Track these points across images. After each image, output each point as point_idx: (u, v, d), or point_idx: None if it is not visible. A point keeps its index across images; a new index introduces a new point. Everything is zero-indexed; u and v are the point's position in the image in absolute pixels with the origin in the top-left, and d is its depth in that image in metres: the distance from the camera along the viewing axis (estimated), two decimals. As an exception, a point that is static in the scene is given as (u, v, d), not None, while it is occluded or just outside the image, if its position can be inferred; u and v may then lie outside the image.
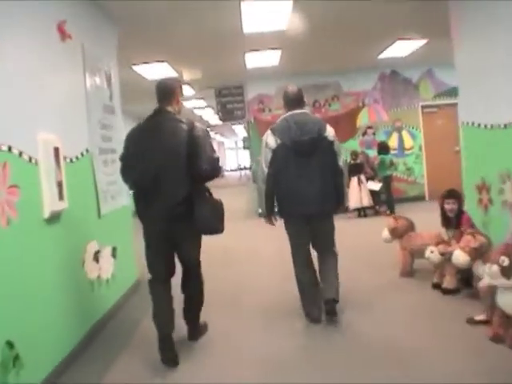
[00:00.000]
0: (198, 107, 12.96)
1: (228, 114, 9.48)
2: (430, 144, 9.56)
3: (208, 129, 3.13)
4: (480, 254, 3.21)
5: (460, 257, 3.26)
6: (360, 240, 6.18)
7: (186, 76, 7.34)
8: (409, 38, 7.12)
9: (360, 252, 5.49)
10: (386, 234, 4.45)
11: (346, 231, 6.17)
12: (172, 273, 3.07)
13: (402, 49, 7.74)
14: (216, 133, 26.73)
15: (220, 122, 19.09)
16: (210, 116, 15.66)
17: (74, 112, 3.63)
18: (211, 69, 7.79)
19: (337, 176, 3.34)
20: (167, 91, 3.02)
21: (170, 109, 2.98)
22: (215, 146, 3.27)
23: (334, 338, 3.22)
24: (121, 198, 4.55)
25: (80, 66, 3.81)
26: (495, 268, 2.73)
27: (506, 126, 3.74)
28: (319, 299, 3.42)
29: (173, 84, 3.13)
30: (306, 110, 3.55)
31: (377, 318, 3.47)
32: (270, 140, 3.30)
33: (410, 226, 4.42)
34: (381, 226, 4.65)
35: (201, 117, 15.56)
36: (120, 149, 3.17)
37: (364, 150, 8.99)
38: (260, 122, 9.17)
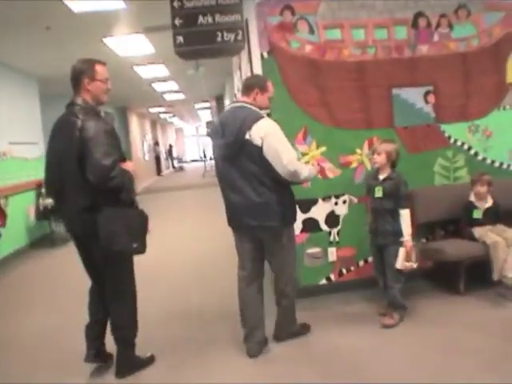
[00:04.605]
0: (138, 62, 7.28)
1: (200, 40, 3.55)
2: None
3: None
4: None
5: None
6: None
7: None
8: None
9: None
10: None
11: None
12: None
13: None
14: (173, 115, 20.92)
15: (180, 97, 12.32)
16: (166, 84, 9.96)
17: None
18: None
19: (277, 187, 2.69)
20: (73, 77, 2.57)
21: (78, 100, 2.55)
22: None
23: None
24: None
25: None
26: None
27: None
28: (258, 329, 2.84)
29: (79, 67, 2.56)
30: (246, 100, 2.77)
31: None
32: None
33: None
34: None
35: (157, 92, 9.80)
36: None
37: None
38: (286, 57, 3.68)
